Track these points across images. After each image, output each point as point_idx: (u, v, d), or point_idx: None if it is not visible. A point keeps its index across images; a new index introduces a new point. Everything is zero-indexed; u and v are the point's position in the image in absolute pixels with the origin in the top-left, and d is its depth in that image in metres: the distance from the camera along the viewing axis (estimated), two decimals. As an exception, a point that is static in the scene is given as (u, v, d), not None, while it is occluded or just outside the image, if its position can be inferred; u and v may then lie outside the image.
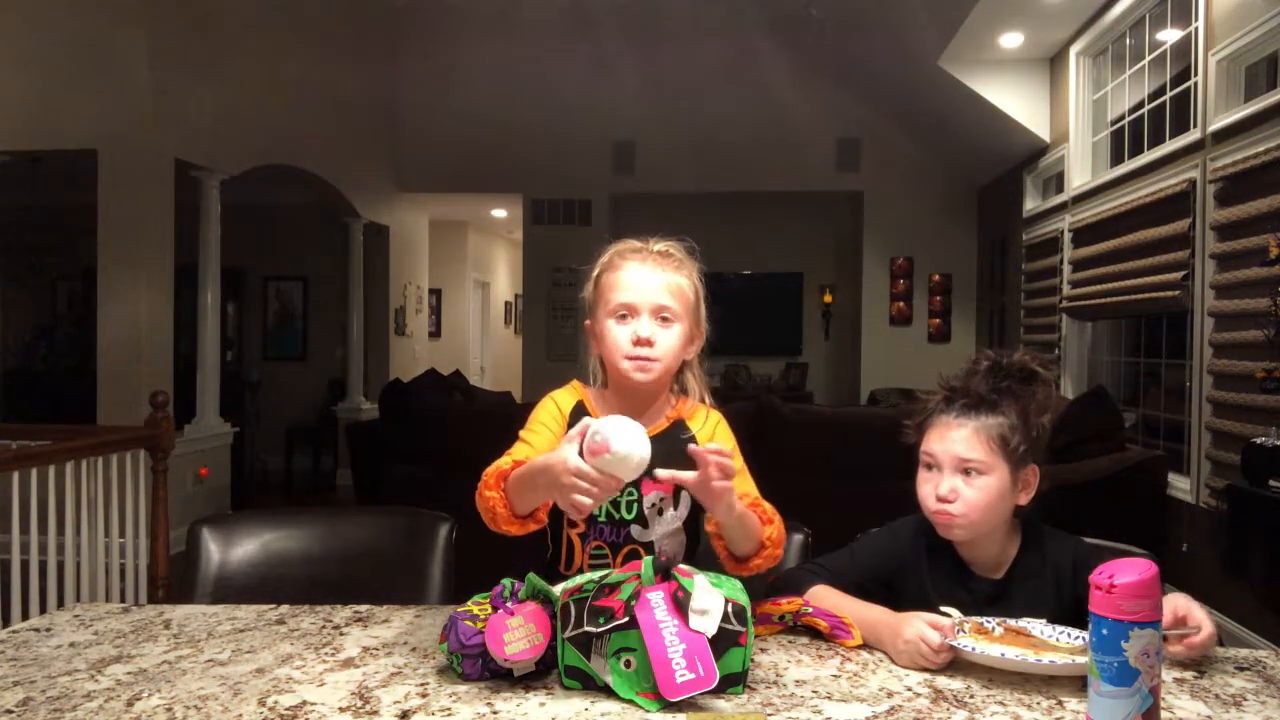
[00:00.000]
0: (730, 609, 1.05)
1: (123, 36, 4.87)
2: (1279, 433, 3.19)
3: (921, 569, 1.34)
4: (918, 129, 7.72)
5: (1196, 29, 3.99)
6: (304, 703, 1.01)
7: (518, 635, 1.04)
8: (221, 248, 5.65)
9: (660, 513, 1.35)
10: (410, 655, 1.16)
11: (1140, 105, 4.80)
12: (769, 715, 0.98)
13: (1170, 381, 4.56)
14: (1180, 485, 4.03)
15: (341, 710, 0.99)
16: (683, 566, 1.08)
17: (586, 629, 1.03)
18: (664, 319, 1.32)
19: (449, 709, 0.99)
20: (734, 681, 1.04)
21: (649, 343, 1.30)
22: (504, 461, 1.27)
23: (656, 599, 1.04)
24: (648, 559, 1.09)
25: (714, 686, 0.99)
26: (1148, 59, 4.72)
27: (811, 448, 4.06)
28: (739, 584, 1.10)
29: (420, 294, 8.96)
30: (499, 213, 10.01)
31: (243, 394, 7.63)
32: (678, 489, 1.36)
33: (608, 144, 8.23)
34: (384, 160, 8.11)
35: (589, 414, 1.37)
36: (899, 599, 1.32)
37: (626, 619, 1.03)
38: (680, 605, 1.03)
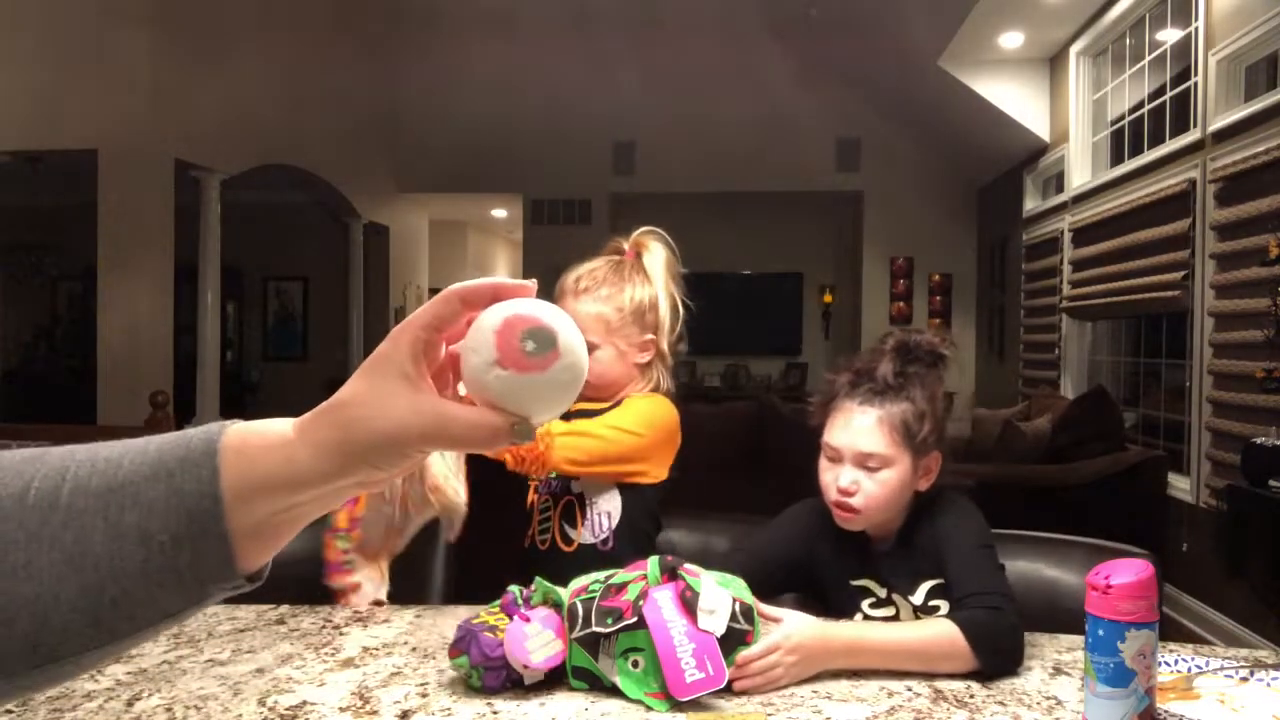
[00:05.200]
0: (738, 608, 1.05)
1: (123, 36, 4.87)
2: (1279, 433, 3.19)
3: (825, 547, 1.32)
4: (918, 129, 7.71)
5: (1196, 29, 3.99)
6: (304, 703, 1.01)
7: (539, 642, 1.04)
8: (221, 248, 5.64)
9: None
10: (410, 655, 1.16)
11: (1140, 105, 4.80)
12: (769, 715, 0.98)
13: (1170, 381, 4.55)
14: (1180, 485, 4.03)
15: (341, 710, 0.99)
16: (689, 566, 1.08)
17: (594, 629, 1.03)
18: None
19: (449, 709, 0.99)
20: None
21: None
22: None
23: (664, 599, 1.04)
24: (654, 559, 1.09)
25: (723, 686, 1.00)
26: (1148, 59, 4.72)
27: (812, 448, 4.05)
28: (744, 583, 1.11)
29: (420, 294, 8.96)
30: (499, 213, 10.01)
31: (243, 394, 7.63)
32: None
33: (608, 144, 8.23)
34: (384, 160, 8.11)
35: None
36: (817, 585, 1.34)
37: (635, 619, 1.03)
38: (689, 605, 1.03)
